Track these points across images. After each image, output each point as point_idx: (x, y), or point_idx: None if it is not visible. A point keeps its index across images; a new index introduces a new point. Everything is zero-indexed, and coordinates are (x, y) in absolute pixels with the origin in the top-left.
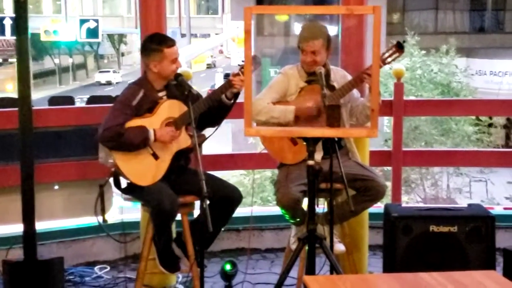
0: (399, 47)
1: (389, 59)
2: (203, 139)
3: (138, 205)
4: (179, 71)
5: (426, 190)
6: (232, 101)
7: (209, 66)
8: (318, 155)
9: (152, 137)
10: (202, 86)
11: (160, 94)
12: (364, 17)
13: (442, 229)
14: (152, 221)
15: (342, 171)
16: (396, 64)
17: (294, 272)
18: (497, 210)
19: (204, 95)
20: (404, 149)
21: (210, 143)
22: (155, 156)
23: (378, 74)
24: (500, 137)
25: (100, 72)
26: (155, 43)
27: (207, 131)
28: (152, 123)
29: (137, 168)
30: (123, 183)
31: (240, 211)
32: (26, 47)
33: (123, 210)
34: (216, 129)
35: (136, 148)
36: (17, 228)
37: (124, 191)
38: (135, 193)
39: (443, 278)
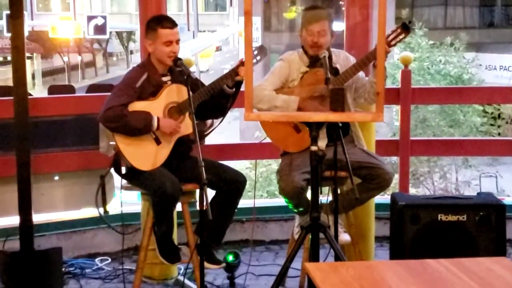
0: (404, 28)
1: (394, 41)
2: (207, 128)
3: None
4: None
5: (434, 183)
6: (234, 89)
7: None
8: (322, 143)
9: (155, 123)
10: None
11: (165, 78)
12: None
13: (451, 218)
14: (152, 207)
15: (347, 158)
16: (404, 51)
17: (298, 264)
18: (507, 200)
19: None
20: (412, 138)
21: (219, 139)
22: (158, 141)
23: (383, 55)
24: (510, 129)
25: None
26: (153, 22)
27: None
28: (155, 106)
29: (139, 152)
30: (124, 170)
31: (244, 203)
32: (21, 32)
33: (123, 203)
34: (222, 120)
35: (138, 133)
36: (16, 220)
37: (124, 176)
38: (135, 178)
39: (451, 264)
